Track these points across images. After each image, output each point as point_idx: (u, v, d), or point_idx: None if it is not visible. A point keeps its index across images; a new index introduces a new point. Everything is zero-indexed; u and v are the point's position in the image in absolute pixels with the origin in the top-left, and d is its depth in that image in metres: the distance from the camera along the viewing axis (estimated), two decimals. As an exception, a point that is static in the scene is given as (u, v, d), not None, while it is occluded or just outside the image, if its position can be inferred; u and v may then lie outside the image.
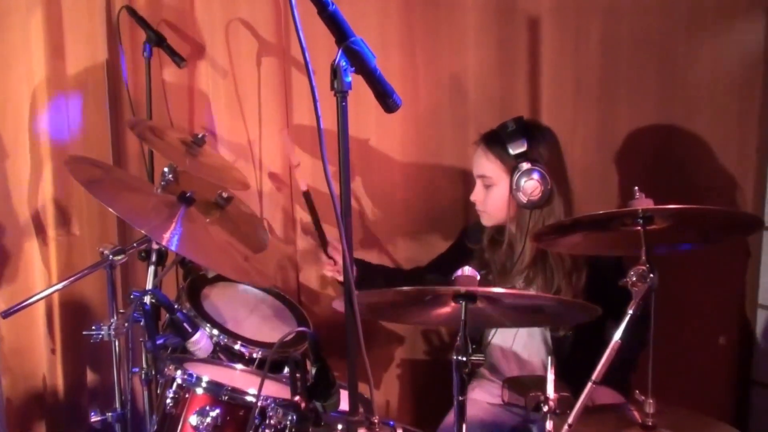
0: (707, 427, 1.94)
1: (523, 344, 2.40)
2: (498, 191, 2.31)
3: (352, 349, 1.43)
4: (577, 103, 2.82)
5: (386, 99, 1.43)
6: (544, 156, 2.26)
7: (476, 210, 2.41)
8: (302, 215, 2.93)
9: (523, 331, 2.38)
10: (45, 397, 2.88)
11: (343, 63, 1.35)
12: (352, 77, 1.37)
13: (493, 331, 2.44)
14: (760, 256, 2.84)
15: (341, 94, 1.36)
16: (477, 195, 2.38)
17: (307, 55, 1.32)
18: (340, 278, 2.50)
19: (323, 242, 2.54)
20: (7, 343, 2.73)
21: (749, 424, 2.88)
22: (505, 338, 2.42)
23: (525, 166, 2.22)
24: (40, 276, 2.84)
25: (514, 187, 2.23)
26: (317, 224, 2.57)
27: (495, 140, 2.30)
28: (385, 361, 3.00)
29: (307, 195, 2.58)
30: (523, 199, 2.22)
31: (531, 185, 2.21)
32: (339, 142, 1.39)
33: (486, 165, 2.32)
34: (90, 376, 2.93)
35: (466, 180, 2.85)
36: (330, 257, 2.51)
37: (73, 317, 2.87)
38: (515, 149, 2.24)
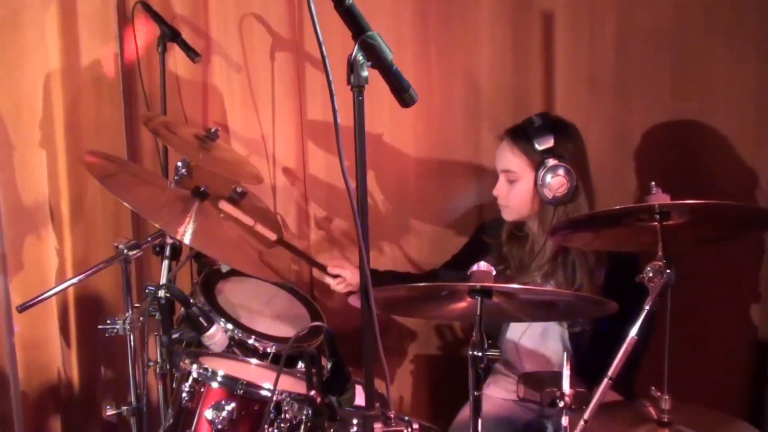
0: (723, 423, 1.93)
1: (538, 340, 2.39)
2: (522, 186, 2.29)
3: (367, 344, 1.42)
4: (591, 99, 2.80)
5: (403, 94, 1.42)
6: (571, 152, 2.24)
7: (498, 204, 2.39)
8: (316, 209, 2.94)
9: (538, 327, 2.37)
10: (60, 390, 2.90)
11: (359, 57, 1.34)
12: (368, 72, 1.36)
13: (508, 326, 2.43)
14: (775, 252, 2.82)
15: (358, 88, 1.35)
16: (500, 189, 2.36)
17: (323, 49, 1.31)
18: (353, 289, 2.47)
19: (322, 269, 2.52)
20: (22, 336, 2.75)
21: (765, 421, 2.87)
22: (520, 333, 2.41)
23: (551, 161, 2.20)
24: (54, 270, 2.85)
25: (540, 182, 2.21)
26: (308, 259, 2.60)
27: (521, 135, 2.28)
28: (398, 356, 2.99)
29: (280, 241, 2.52)
30: (549, 195, 2.21)
31: (557, 181, 2.19)
32: (355, 136, 1.38)
33: (511, 159, 2.30)
34: (105, 370, 2.95)
35: (479, 175, 2.84)
36: (335, 276, 2.49)
37: (88, 311, 2.88)
38: (542, 144, 2.22)
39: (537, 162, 2.23)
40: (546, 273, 2.31)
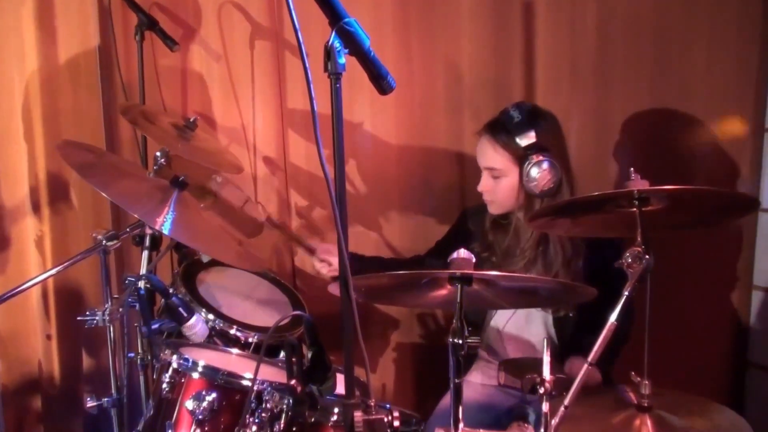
0: (703, 408, 1.93)
1: (522, 326, 2.39)
2: (507, 182, 2.28)
3: (348, 332, 1.42)
4: (572, 86, 2.81)
5: (380, 81, 1.40)
6: (552, 143, 2.23)
7: (483, 199, 2.38)
8: (297, 199, 2.93)
9: (522, 314, 2.38)
10: (41, 383, 2.88)
11: (336, 44, 1.33)
12: (345, 59, 1.35)
13: (492, 313, 2.43)
14: (754, 237, 2.84)
15: (335, 75, 1.34)
16: (485, 185, 2.34)
17: (300, 36, 1.30)
18: (337, 274, 2.46)
19: (310, 251, 2.53)
20: (2, 329, 2.72)
21: (745, 406, 2.90)
22: (504, 321, 2.41)
23: (535, 156, 2.19)
24: (34, 262, 2.83)
25: (526, 177, 2.20)
26: (297, 240, 2.59)
27: (501, 130, 2.26)
28: (380, 345, 3.00)
29: (270, 221, 2.55)
30: (536, 189, 2.20)
31: (543, 176, 2.19)
32: (333, 124, 1.37)
33: (494, 157, 2.28)
34: (86, 362, 2.93)
35: (460, 163, 2.84)
36: (323, 260, 2.50)
37: (68, 303, 2.86)
38: (524, 140, 2.20)
39: (521, 157, 2.22)
40: (528, 261, 2.32)
